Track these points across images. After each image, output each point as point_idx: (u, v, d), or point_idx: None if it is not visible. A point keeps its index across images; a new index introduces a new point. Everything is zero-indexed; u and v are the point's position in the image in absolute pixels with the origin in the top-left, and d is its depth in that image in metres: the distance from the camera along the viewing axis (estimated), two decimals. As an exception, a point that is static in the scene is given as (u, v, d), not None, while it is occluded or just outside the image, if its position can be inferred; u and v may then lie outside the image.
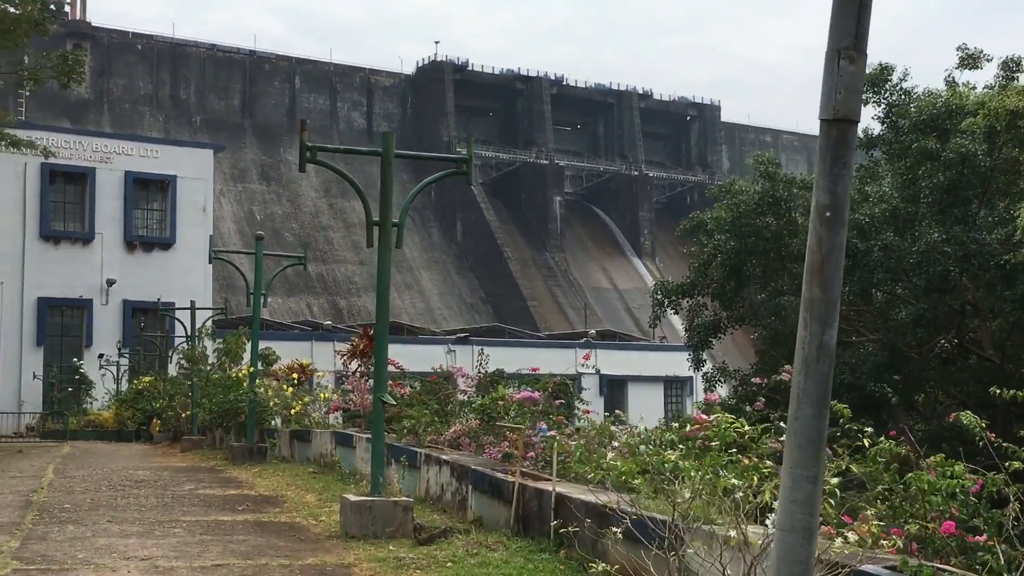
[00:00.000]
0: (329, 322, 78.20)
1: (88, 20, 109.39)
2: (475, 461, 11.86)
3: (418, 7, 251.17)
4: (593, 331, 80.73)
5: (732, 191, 34.53)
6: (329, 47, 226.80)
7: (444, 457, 12.09)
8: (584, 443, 12.74)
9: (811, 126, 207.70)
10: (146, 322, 54.59)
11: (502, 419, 16.96)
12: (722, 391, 36.11)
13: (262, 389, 20.24)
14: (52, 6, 30.04)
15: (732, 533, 5.63)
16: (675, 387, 78.91)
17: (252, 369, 19.97)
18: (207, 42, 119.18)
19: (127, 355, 54.20)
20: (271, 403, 20.50)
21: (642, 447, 7.42)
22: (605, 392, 69.64)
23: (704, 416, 9.86)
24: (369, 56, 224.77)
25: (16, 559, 8.98)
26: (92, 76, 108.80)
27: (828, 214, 4.01)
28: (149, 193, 60.69)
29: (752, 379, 26.25)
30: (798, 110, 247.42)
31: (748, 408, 13.63)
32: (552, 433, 10.12)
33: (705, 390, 38.01)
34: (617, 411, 16.25)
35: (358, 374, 18.89)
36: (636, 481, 7.09)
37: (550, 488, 9.45)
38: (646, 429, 11.29)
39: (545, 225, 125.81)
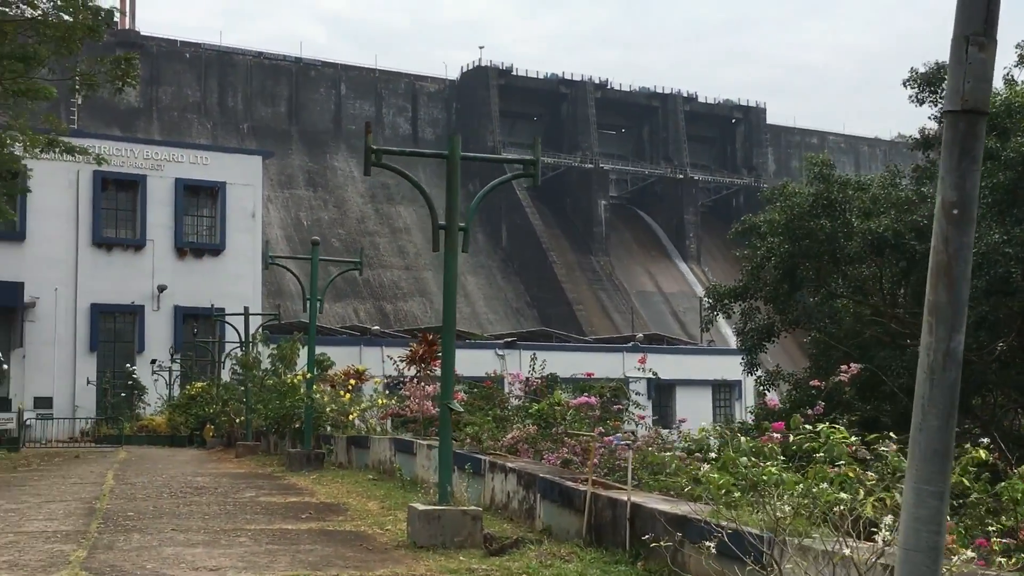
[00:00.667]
0: (377, 327, 78.38)
1: (137, 29, 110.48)
2: (543, 469, 11.68)
3: (462, 13, 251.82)
4: (641, 335, 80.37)
5: (785, 193, 34.15)
6: (374, 54, 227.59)
7: (510, 465, 11.92)
8: (651, 449, 12.56)
9: (858, 127, 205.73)
10: (198, 328, 54.90)
11: (559, 425, 16.81)
12: (773, 395, 35.75)
13: (318, 395, 20.20)
14: (102, 14, 30.22)
15: (837, 549, 5.41)
16: (723, 391, 78.39)
17: (309, 375, 19.91)
18: (254, 50, 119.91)
19: (178, 360, 54.56)
20: (327, 409, 20.44)
21: (743, 459, 7.17)
22: (653, 396, 69.26)
23: (780, 424, 9.66)
24: (414, 62, 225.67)
25: (85, 570, 8.91)
26: (141, 84, 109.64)
27: (955, 211, 3.78)
28: (199, 200, 61.12)
29: (810, 383, 25.91)
30: (843, 112, 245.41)
31: (809, 412, 13.37)
32: (629, 442, 9.87)
33: (758, 394, 37.70)
34: (681, 419, 16.06)
35: (415, 380, 18.78)
36: (736, 495, 6.87)
37: (624, 497, 9.26)
38: (710, 431, 11.07)
39: (590, 229, 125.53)
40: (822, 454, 7.00)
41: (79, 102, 77.96)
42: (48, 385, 55.10)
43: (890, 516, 5.74)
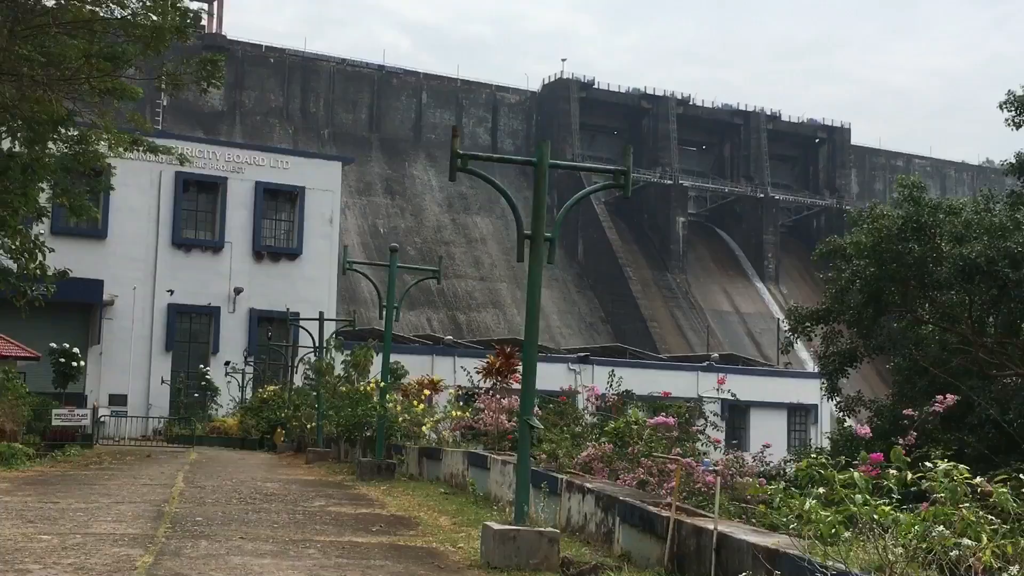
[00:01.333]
0: (450, 337, 78.27)
1: (224, 33, 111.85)
2: (622, 491, 11.22)
3: (545, 26, 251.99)
4: (716, 355, 79.39)
5: (872, 215, 33.34)
6: (456, 63, 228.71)
7: (588, 485, 11.48)
8: (745, 479, 12.08)
9: (945, 151, 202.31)
10: (272, 331, 55.14)
11: (635, 444, 16.32)
12: (854, 422, 34.85)
13: (392, 404, 19.92)
14: (190, 15, 30.35)
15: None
16: (799, 415, 77.04)
17: (383, 384, 19.63)
18: (337, 56, 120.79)
19: (252, 363, 54.82)
20: (399, 419, 20.15)
21: (858, 496, 6.66)
22: (727, 417, 68.30)
23: (879, 455, 9.12)
24: (495, 73, 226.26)
25: (151, 576, 8.64)
26: (225, 88, 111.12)
27: None
28: (278, 203, 61.51)
29: (902, 411, 25.10)
30: (930, 135, 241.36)
31: (900, 441, 12.81)
32: (715, 468, 9.38)
33: (836, 420, 36.81)
34: (766, 443, 15.53)
35: (491, 392, 18.41)
36: (846, 534, 6.38)
37: (710, 526, 8.78)
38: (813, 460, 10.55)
39: (667, 245, 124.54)
40: (944, 494, 6.45)
41: (164, 104, 78.99)
42: (123, 383, 55.71)
43: (1017, 567, 5.23)
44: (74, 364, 36.05)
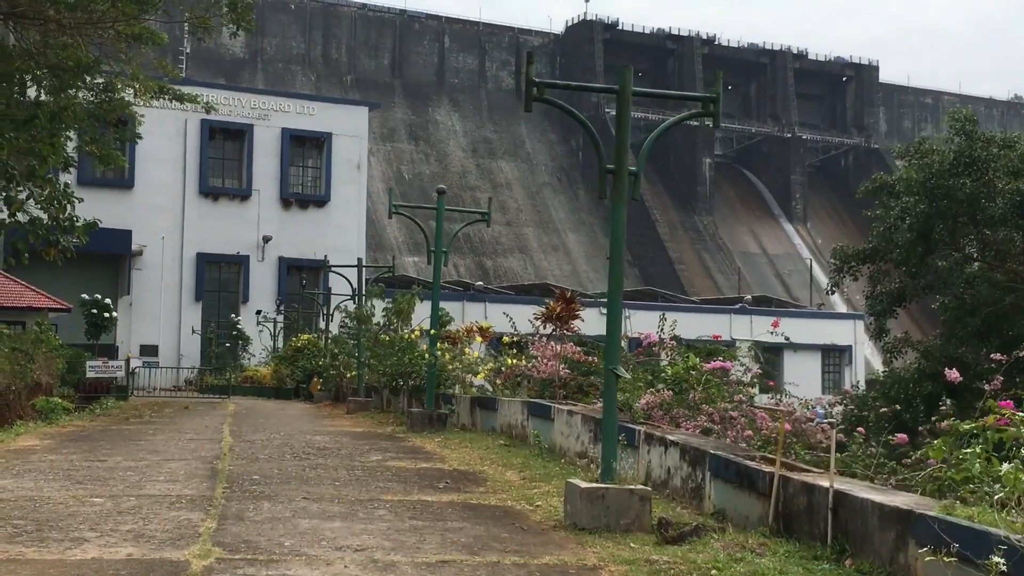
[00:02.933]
0: (480, 283, 77.62)
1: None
2: (710, 443, 10.51)
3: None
4: (749, 296, 78.48)
5: (921, 151, 32.34)
6: (478, 6, 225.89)
7: (670, 437, 10.76)
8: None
9: (975, 87, 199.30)
10: (305, 279, 54.58)
11: (695, 391, 15.61)
12: (872, 364, 34.07)
13: (441, 352, 19.25)
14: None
15: None
16: (833, 356, 76.14)
17: (433, 331, 18.95)
18: (358, 1, 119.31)
19: (283, 312, 54.34)
20: (449, 367, 19.49)
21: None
22: (760, 360, 67.53)
23: (1007, 403, 8.37)
24: (516, 16, 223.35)
25: (218, 545, 7.99)
26: (246, 36, 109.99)
27: None
28: (305, 150, 60.75)
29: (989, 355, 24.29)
30: (958, 72, 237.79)
31: (986, 386, 12.11)
32: (831, 420, 8.61)
33: (884, 362, 35.98)
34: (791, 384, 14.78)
35: (544, 339, 17.70)
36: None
37: (823, 483, 8.05)
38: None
39: (694, 188, 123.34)
40: None
41: (188, 51, 77.99)
42: (154, 333, 55.38)
43: None
44: (106, 315, 35.60)
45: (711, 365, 16.45)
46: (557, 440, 13.86)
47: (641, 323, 25.56)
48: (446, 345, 20.19)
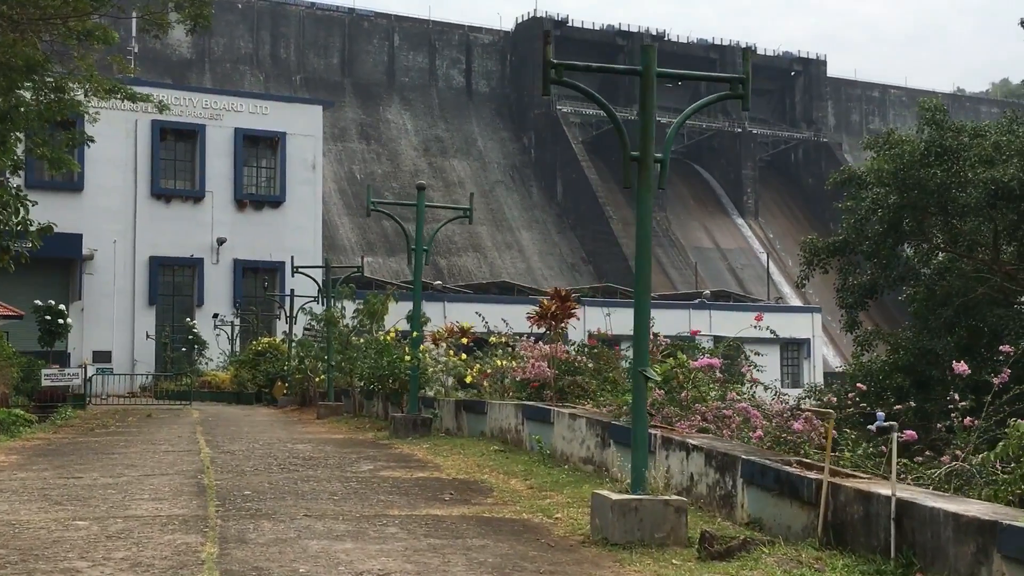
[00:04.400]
0: (439, 282, 76.83)
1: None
2: (739, 447, 9.93)
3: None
4: (707, 291, 78.32)
5: (890, 141, 32.05)
6: (428, 4, 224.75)
7: (692, 442, 10.17)
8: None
9: (920, 81, 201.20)
10: (267, 280, 53.52)
11: (687, 389, 15.13)
12: (828, 360, 33.75)
13: (423, 355, 18.54)
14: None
15: None
16: (791, 350, 76.19)
17: (415, 333, 18.23)
18: (306, 0, 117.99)
19: (238, 315, 53.28)
20: (429, 370, 18.79)
21: None
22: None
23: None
24: (466, 13, 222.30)
25: (226, 574, 7.27)
26: (193, 36, 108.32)
27: None
28: (259, 150, 59.65)
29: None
30: (902, 65, 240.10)
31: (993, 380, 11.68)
32: (889, 423, 8.04)
33: (854, 355, 35.63)
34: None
35: (532, 339, 17.07)
36: None
37: (882, 491, 7.48)
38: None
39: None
40: None
41: (136, 50, 76.43)
42: (107, 339, 54.07)
43: None
44: (60, 321, 34.53)
45: (700, 362, 15.96)
46: (558, 445, 13.22)
47: (598, 320, 24.96)
48: (429, 346, 19.53)
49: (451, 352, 18.95)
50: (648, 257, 9.04)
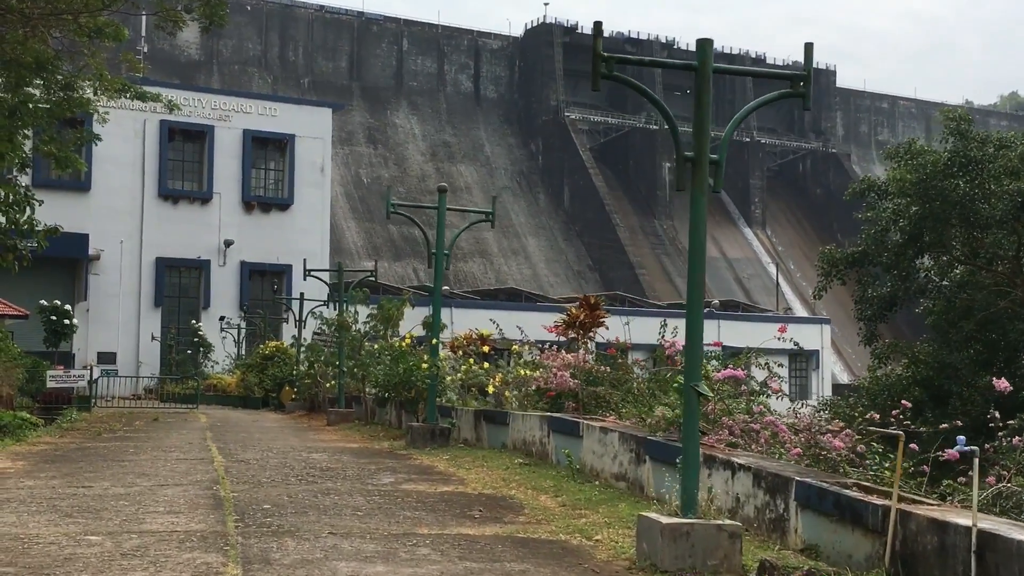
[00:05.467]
0: (447, 287, 76.22)
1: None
2: (789, 468, 9.39)
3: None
4: (716, 301, 77.78)
5: (912, 151, 31.55)
6: (437, 8, 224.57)
7: (739, 460, 9.63)
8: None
9: (929, 92, 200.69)
10: (266, 284, 53.12)
11: (713, 401, 14.61)
12: (836, 373, 33.18)
13: (443, 362, 18.00)
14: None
15: None
16: (799, 361, 75.58)
17: (435, 340, 17.70)
18: (315, 3, 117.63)
19: (247, 318, 52.80)
20: (448, 379, 18.25)
21: None
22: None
23: None
24: (475, 19, 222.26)
25: (253, 598, 6.74)
26: (202, 37, 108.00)
27: None
28: (267, 152, 59.24)
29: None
30: (910, 78, 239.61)
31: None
32: (971, 448, 7.51)
33: (870, 368, 35.06)
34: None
35: (555, 347, 16.54)
36: None
37: (959, 520, 6.94)
38: None
39: (653, 192, 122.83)
40: None
41: (145, 51, 76.02)
42: (112, 340, 53.63)
43: None
44: (66, 322, 34.07)
45: (723, 374, 15.41)
46: (588, 460, 12.68)
47: (614, 330, 24.46)
48: (448, 354, 19.01)
49: (471, 360, 18.44)
50: (702, 264, 8.51)
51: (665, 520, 7.98)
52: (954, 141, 30.13)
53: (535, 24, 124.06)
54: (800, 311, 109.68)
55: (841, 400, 33.37)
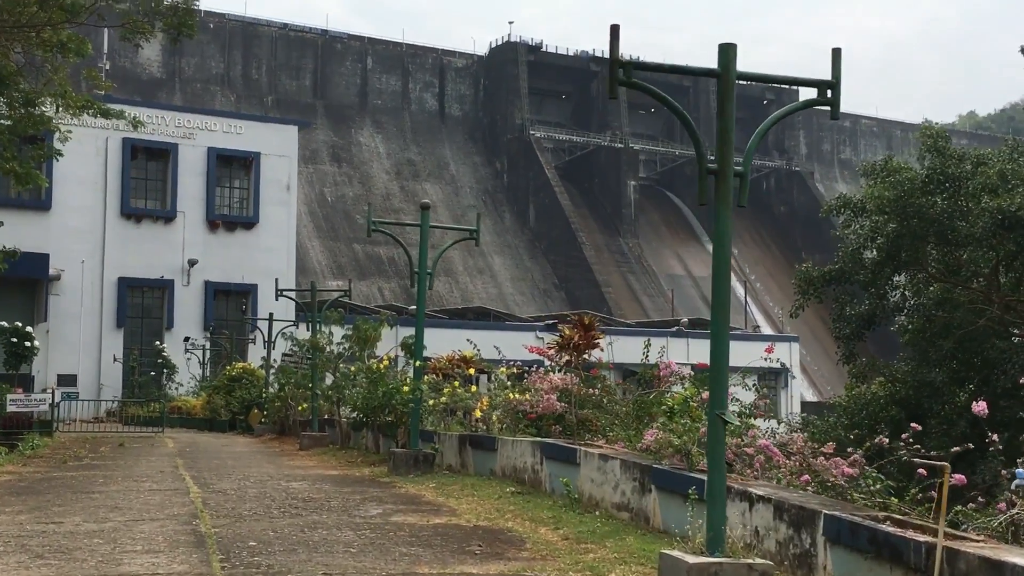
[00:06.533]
0: (413, 307, 75.48)
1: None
2: (816, 500, 8.86)
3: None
4: (685, 319, 77.47)
5: (889, 168, 31.29)
6: (401, 27, 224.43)
7: (757, 492, 9.08)
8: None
9: (890, 111, 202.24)
10: (230, 304, 52.23)
11: (701, 424, 14.12)
12: (802, 391, 32.84)
13: (425, 386, 17.37)
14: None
15: None
16: (768, 379, 75.34)
17: (418, 362, 17.08)
18: (279, 21, 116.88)
19: (212, 339, 51.84)
20: (430, 402, 17.63)
21: None
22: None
23: None
24: (440, 37, 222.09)
25: (252, 654, 6.11)
26: (164, 55, 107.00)
27: None
28: (232, 170, 58.33)
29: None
30: (869, 96, 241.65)
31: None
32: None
33: (846, 387, 34.70)
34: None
35: (542, 370, 15.99)
36: None
37: (1016, 560, 6.43)
38: None
39: (619, 210, 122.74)
40: None
41: (107, 67, 75.00)
42: (72, 362, 52.46)
43: None
44: (27, 344, 33.15)
45: (707, 395, 14.88)
46: (586, 488, 12.11)
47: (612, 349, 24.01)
48: (431, 377, 18.39)
49: (456, 383, 17.82)
50: (727, 282, 7.99)
51: (691, 560, 7.42)
52: (931, 158, 29.90)
53: (500, 42, 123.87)
54: (766, 329, 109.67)
55: (819, 419, 33.02)
